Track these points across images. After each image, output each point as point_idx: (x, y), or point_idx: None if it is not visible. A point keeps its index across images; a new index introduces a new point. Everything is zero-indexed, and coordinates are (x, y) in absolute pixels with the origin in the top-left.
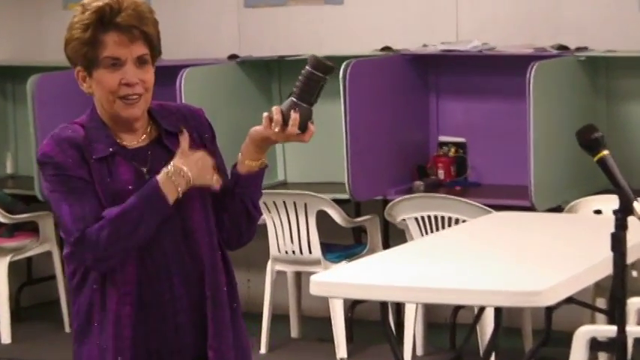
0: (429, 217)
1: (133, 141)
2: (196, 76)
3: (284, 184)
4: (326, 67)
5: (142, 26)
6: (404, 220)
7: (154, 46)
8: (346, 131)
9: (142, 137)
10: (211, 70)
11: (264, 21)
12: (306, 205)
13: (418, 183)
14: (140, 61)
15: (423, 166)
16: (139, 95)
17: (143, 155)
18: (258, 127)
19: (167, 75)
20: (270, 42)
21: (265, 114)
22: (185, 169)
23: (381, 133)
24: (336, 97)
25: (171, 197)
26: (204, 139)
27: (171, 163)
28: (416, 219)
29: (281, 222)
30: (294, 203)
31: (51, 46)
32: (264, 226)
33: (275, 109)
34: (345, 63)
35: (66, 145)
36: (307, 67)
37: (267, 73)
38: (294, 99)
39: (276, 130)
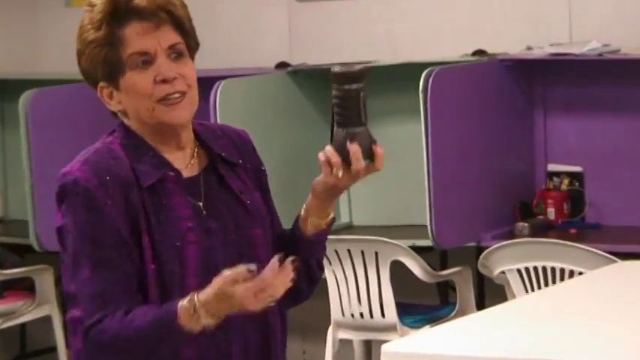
0: (535, 268)
1: (182, 164)
2: (235, 89)
3: (349, 228)
4: (356, 73)
5: (168, 6)
6: (503, 272)
7: (187, 32)
8: (428, 159)
9: (192, 162)
10: (254, 82)
11: (322, 18)
12: (377, 254)
13: (521, 225)
14: (174, 53)
15: (528, 204)
16: (181, 93)
17: (195, 186)
18: (319, 179)
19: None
20: (330, 45)
21: (321, 157)
22: (225, 308)
23: (473, 161)
24: (413, 115)
25: (197, 328)
26: (259, 173)
27: (211, 293)
28: (519, 271)
29: (345, 277)
30: (362, 252)
31: (50, 54)
32: (324, 281)
33: (329, 150)
34: (426, 72)
35: (107, 177)
36: (335, 85)
37: (326, 85)
38: (342, 128)
39: (340, 174)
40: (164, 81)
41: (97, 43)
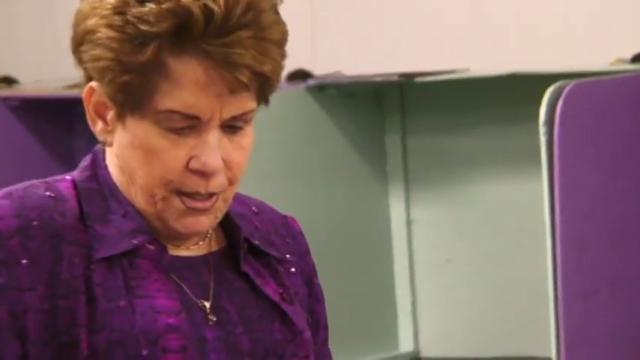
0: None
1: (174, 239)
2: None
3: None
4: None
5: (263, 63)
6: None
7: (268, 92)
8: (553, 239)
9: (199, 244)
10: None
11: (359, 9)
12: None
13: None
14: (235, 126)
15: None
16: (215, 196)
17: (196, 271)
18: None
19: None
20: (372, 46)
21: None
22: None
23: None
24: (525, 161)
25: None
26: (311, 285)
27: None
28: None
29: None
30: None
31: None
32: None
33: None
34: (552, 88)
35: (33, 222)
36: None
37: (374, 105)
38: None
39: None
40: (202, 172)
41: (131, 64)
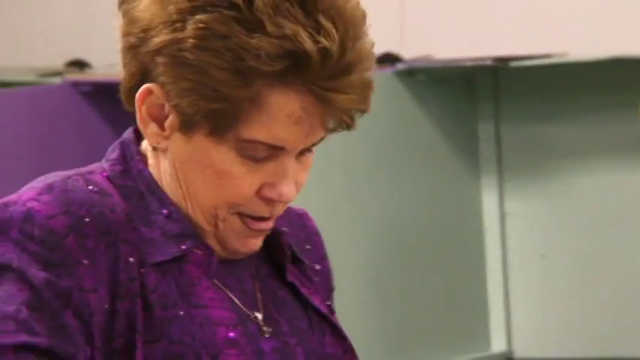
0: None
1: (216, 239)
2: None
3: None
4: None
5: (366, 103)
6: None
7: None
8: None
9: None
10: None
11: None
12: None
13: None
14: (309, 149)
15: None
16: (273, 217)
17: (240, 280)
18: None
19: None
20: (468, 32)
21: None
22: None
23: None
24: (627, 152)
25: None
26: (329, 285)
27: None
28: None
29: None
30: None
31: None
32: None
33: None
34: None
35: (85, 218)
36: None
37: (466, 91)
38: None
39: None
40: (272, 201)
41: (228, 95)
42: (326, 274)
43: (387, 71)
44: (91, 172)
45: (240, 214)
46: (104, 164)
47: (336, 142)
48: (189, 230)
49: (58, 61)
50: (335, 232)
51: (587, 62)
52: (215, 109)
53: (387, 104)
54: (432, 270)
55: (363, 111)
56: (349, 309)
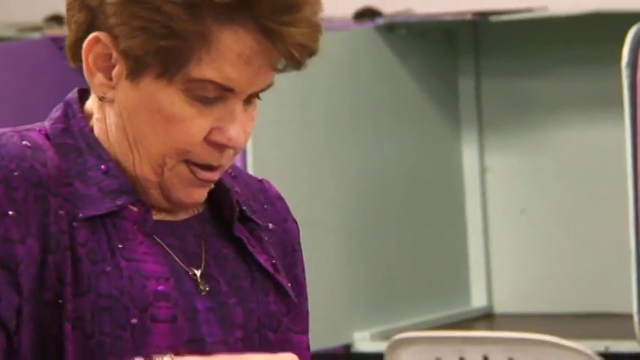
0: None
1: (159, 198)
2: None
3: (486, 318)
4: None
5: (317, 40)
6: None
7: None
8: (636, 185)
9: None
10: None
11: None
12: None
13: None
14: (254, 96)
15: None
16: (221, 167)
17: (181, 236)
18: None
19: None
20: None
21: None
22: None
23: None
24: (603, 107)
25: None
26: (293, 259)
27: None
28: None
29: None
30: None
31: None
32: None
33: None
34: (635, 28)
35: (15, 172)
36: None
37: (446, 45)
38: None
39: None
40: (220, 145)
41: (179, 31)
42: (287, 235)
43: (367, 26)
44: (28, 130)
45: (188, 163)
46: (46, 123)
47: (316, 96)
48: (127, 187)
49: (37, 17)
50: (317, 187)
51: (568, 16)
52: (166, 47)
53: (368, 59)
54: (412, 226)
55: (313, 51)
56: (330, 264)
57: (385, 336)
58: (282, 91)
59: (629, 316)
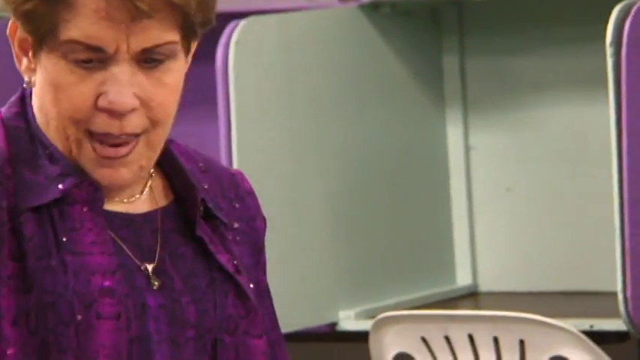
0: None
1: (112, 192)
2: (264, 35)
3: (471, 296)
4: None
5: None
6: None
7: (189, 23)
8: (620, 164)
9: (138, 195)
10: (298, 22)
11: None
12: (522, 344)
13: None
14: (152, 59)
15: None
16: (134, 141)
17: (137, 230)
18: None
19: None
20: None
21: None
22: None
23: None
24: (590, 86)
25: None
26: (261, 256)
27: None
28: None
29: None
30: (495, 340)
31: None
32: None
33: None
34: (619, 6)
35: None
36: None
37: (430, 24)
38: None
39: None
40: (109, 111)
41: None
42: (254, 234)
43: (352, 5)
44: None
45: (91, 138)
46: (3, 107)
47: (301, 74)
48: (69, 169)
49: None
50: (301, 166)
51: None
52: (30, 10)
53: (352, 38)
54: (397, 205)
55: (172, 1)
56: (315, 243)
57: (370, 315)
58: (265, 69)
59: (614, 294)
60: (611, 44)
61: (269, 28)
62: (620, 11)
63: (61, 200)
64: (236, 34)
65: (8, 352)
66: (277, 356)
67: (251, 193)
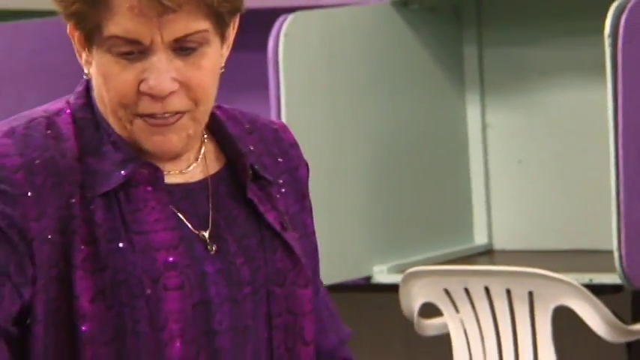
0: None
1: (171, 164)
2: (310, 29)
3: (487, 254)
4: None
5: None
6: None
7: (218, 12)
8: (616, 142)
9: (193, 164)
10: (338, 17)
11: None
12: (531, 296)
13: None
14: (186, 48)
15: None
16: (179, 114)
17: (193, 200)
18: None
19: (249, 29)
20: None
21: None
22: None
23: None
24: (592, 73)
25: None
26: (302, 205)
27: None
28: None
29: (480, 329)
30: (508, 292)
31: None
32: (446, 336)
33: None
34: (617, 2)
35: (36, 160)
36: None
37: (453, 18)
38: None
39: None
40: (151, 95)
41: None
42: (297, 183)
43: (384, 2)
44: (57, 114)
45: (139, 116)
46: (70, 97)
47: (340, 63)
48: (130, 154)
49: None
50: (341, 141)
51: None
52: (77, 11)
53: (384, 30)
54: (422, 175)
55: None
56: (352, 207)
57: (400, 269)
58: (310, 58)
59: (610, 252)
60: (609, 36)
61: (314, 21)
62: (617, 8)
63: (126, 184)
64: (285, 27)
65: (83, 329)
66: (320, 298)
67: (294, 145)
